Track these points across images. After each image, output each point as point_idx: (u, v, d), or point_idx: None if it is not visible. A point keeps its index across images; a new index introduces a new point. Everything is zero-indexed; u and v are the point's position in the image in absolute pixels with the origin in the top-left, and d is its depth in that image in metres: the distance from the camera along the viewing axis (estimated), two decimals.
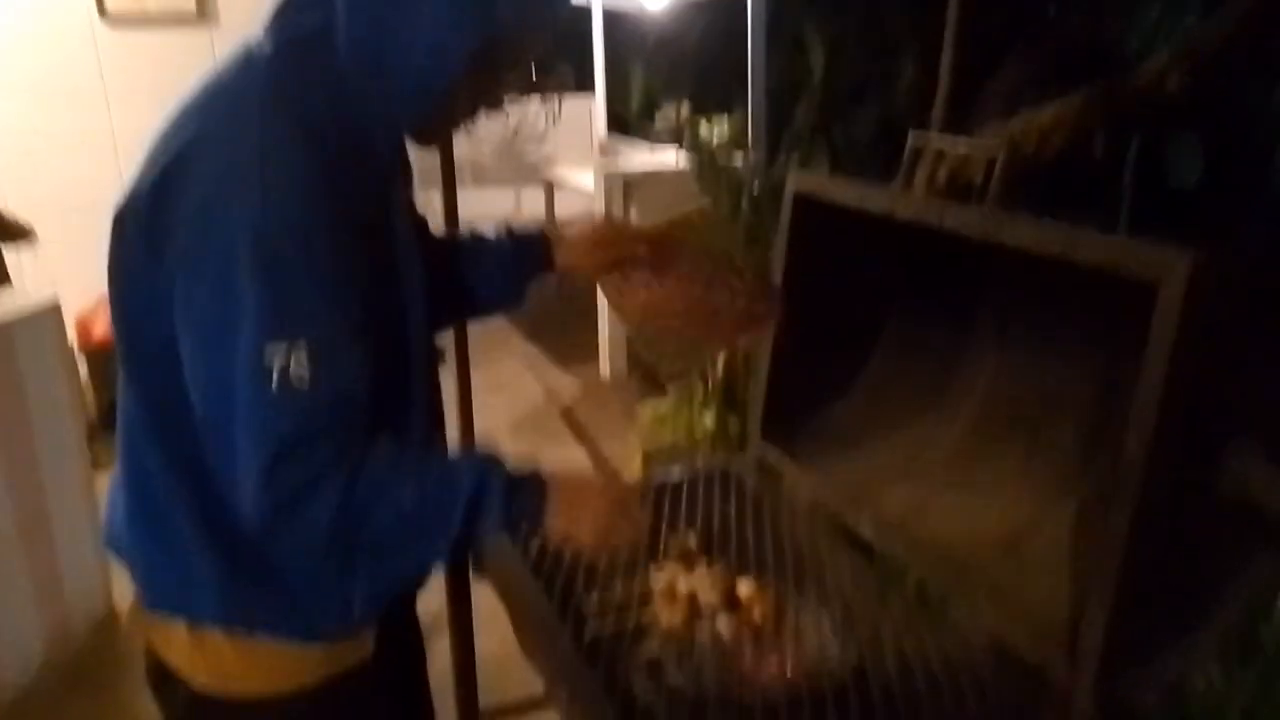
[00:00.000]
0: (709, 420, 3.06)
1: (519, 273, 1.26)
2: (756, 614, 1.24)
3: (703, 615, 1.25)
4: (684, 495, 1.61)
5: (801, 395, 1.72)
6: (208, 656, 0.98)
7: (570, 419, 4.16)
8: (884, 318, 1.70)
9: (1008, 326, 1.46)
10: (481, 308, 1.29)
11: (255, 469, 0.84)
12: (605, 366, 4.68)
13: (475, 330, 1.98)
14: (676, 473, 1.69)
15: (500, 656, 1.94)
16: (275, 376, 0.82)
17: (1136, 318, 0.92)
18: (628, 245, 1.26)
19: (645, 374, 4.34)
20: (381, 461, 0.88)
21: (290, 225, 0.83)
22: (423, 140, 1.03)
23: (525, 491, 0.96)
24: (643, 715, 1.09)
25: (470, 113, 1.01)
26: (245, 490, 0.85)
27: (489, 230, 1.30)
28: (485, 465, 0.94)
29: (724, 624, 1.23)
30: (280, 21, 0.94)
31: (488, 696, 2.07)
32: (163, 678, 1.02)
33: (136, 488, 0.98)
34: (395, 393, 0.98)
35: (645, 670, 1.16)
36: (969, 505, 1.41)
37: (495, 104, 1.02)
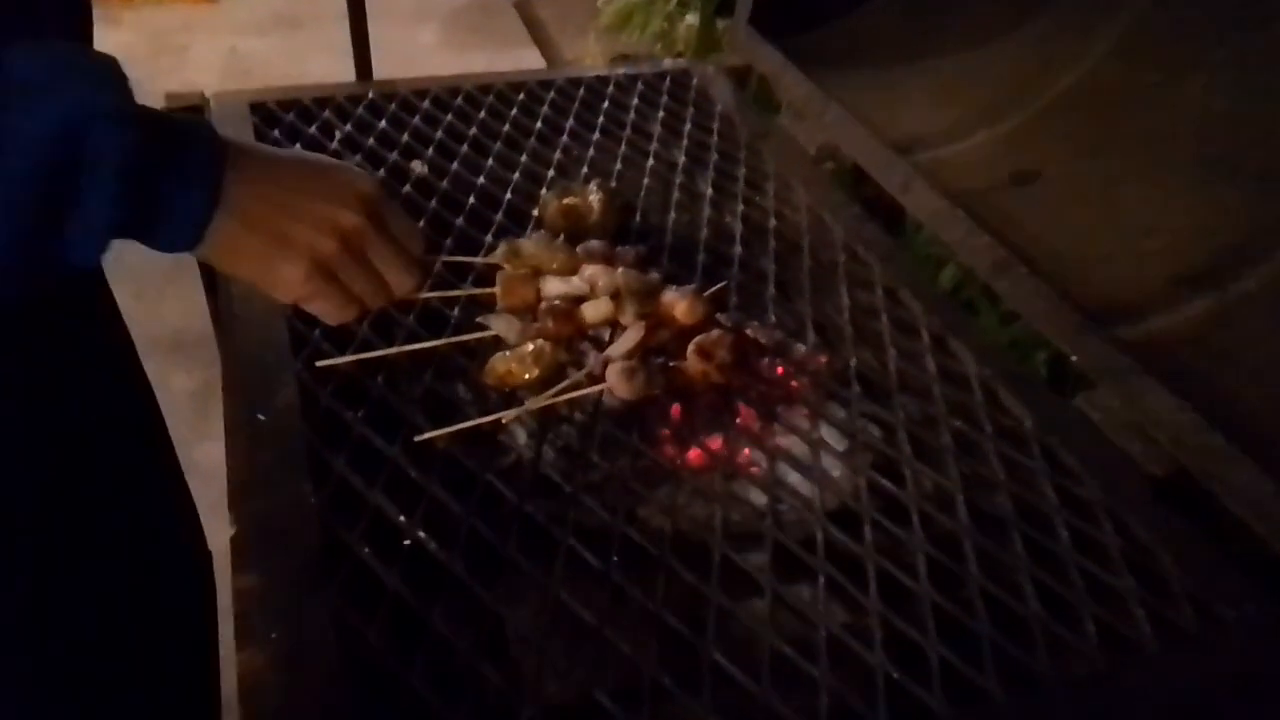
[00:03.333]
0: (691, 20, 2.28)
1: None
2: (698, 356, 0.66)
3: (587, 341, 0.67)
4: (591, 112, 0.95)
5: None
6: None
7: (524, 13, 3.38)
8: None
9: None
10: None
11: None
12: None
13: None
14: (589, 74, 1.02)
15: None
16: None
17: None
18: None
19: None
20: None
21: None
22: None
23: (184, 149, 0.47)
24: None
25: None
26: None
27: None
28: (102, 70, 0.45)
29: (620, 377, 0.64)
30: None
31: None
32: None
33: None
34: None
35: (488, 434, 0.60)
36: (1084, 171, 0.78)
37: None
